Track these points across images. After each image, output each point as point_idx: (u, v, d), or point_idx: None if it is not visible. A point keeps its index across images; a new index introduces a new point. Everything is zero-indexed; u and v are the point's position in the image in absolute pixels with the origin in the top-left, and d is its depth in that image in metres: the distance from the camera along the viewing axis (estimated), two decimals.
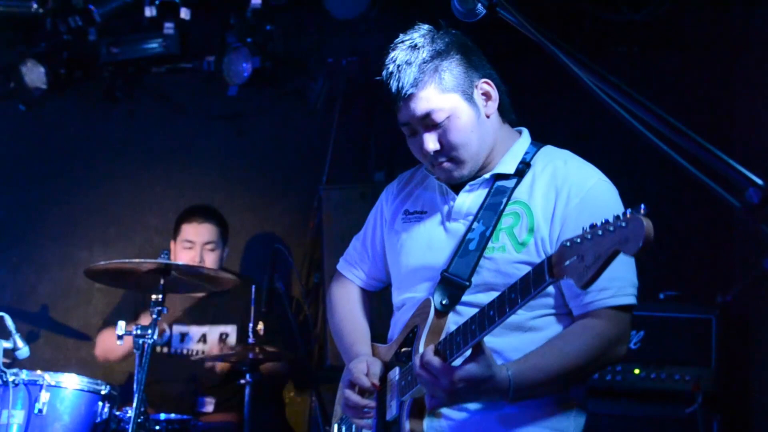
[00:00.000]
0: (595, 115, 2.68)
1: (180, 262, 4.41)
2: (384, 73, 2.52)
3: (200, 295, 4.79)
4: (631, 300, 2.42)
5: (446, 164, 2.53)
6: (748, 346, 4.27)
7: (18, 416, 3.82)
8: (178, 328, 4.86)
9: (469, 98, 2.50)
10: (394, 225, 2.75)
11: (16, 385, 3.82)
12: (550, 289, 2.43)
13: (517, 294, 2.13)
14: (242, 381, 4.25)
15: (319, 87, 5.28)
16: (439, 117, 2.47)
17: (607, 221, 1.86)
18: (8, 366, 3.86)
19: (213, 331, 4.85)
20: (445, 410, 2.46)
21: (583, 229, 1.93)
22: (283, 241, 4.92)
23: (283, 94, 5.43)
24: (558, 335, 2.45)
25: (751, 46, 4.46)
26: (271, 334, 4.40)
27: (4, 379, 3.79)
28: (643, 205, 1.81)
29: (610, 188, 2.49)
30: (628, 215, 1.82)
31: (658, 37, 4.80)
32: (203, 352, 4.76)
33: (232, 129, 5.60)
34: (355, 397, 2.58)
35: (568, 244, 1.97)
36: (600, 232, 1.88)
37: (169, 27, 5.25)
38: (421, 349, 2.40)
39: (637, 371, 4.01)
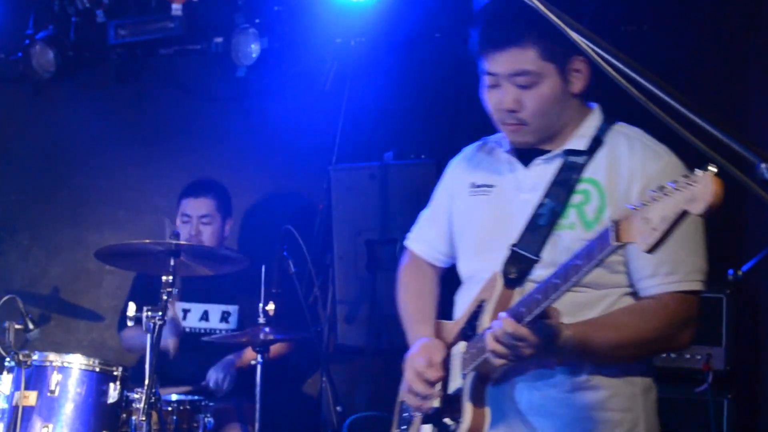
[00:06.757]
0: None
1: (193, 243, 4.43)
2: (485, 11, 2.45)
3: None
4: (698, 286, 2.42)
5: (514, 126, 2.49)
6: (759, 325, 4.25)
7: (30, 397, 3.83)
8: (180, 305, 4.86)
9: (563, 71, 2.44)
10: (461, 198, 2.71)
11: (28, 366, 3.84)
12: (621, 266, 2.42)
13: (582, 260, 2.09)
14: (253, 362, 4.27)
15: (327, 68, 5.26)
16: (529, 80, 2.42)
17: (676, 181, 1.81)
18: (19, 348, 3.87)
19: (215, 310, 4.86)
20: (508, 386, 2.46)
21: (652, 191, 1.88)
22: (293, 222, 4.90)
23: (292, 75, 5.41)
24: (622, 308, 2.44)
25: (765, 22, 4.42)
26: (281, 316, 4.41)
27: (16, 361, 3.81)
28: (711, 165, 1.73)
29: (677, 171, 2.34)
30: (697, 174, 1.77)
31: (669, 15, 4.75)
32: (205, 330, 4.78)
33: (241, 110, 5.59)
34: (420, 386, 2.55)
35: (635, 207, 1.92)
36: (668, 193, 1.82)
37: (176, 8, 5.22)
38: (486, 323, 2.39)
39: None
